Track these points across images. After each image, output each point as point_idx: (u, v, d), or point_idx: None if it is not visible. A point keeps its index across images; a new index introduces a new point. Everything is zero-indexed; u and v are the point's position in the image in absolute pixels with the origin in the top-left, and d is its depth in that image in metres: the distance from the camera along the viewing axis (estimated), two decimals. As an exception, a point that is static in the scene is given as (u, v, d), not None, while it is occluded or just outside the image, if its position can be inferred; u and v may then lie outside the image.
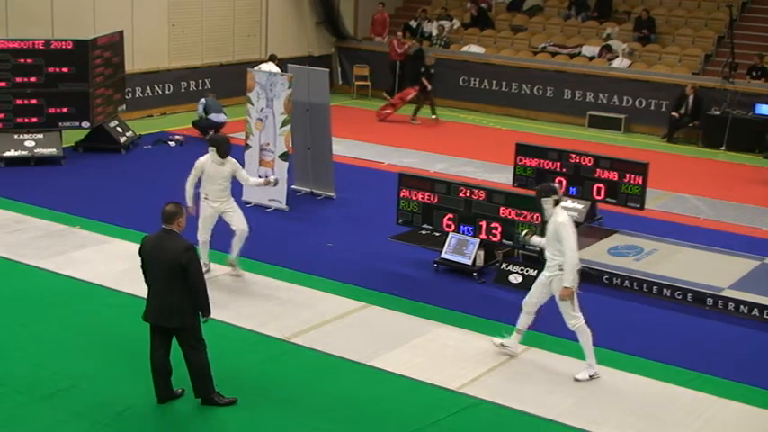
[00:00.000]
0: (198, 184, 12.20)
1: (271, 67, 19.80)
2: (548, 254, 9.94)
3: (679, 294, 12.19)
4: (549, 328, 10.77)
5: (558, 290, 9.80)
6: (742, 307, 11.82)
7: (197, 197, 12.20)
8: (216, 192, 12.08)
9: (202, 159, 12.14)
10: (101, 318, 11.03)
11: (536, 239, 10.72)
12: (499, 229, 12.54)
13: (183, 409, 8.92)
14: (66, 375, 9.47)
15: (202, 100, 20.86)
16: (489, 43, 27.25)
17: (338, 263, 13.12)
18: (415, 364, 10.07)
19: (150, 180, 17.14)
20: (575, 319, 9.81)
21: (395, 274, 12.84)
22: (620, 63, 24.87)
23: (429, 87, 23.72)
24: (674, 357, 10.52)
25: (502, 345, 10.38)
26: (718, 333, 11.36)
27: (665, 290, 12.29)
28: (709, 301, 12.02)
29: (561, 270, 9.70)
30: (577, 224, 14.50)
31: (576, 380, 9.79)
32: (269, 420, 8.82)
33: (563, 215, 9.75)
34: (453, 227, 12.89)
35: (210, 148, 12.06)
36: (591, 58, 25.43)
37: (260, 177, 13.42)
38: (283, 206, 15.40)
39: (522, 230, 11.56)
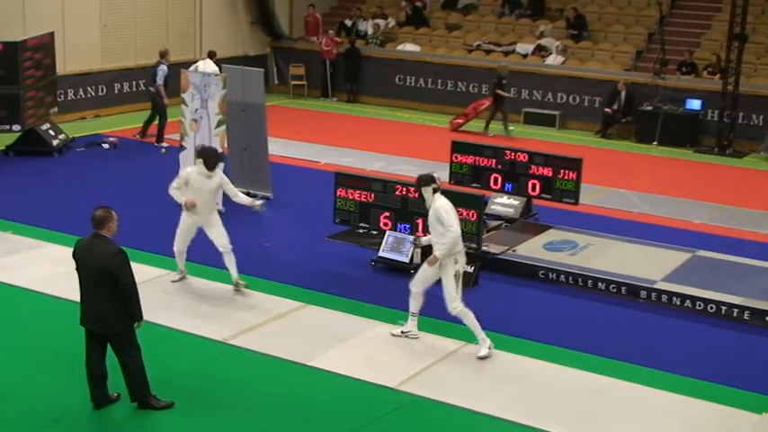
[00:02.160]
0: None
1: (208, 64, 19.75)
2: (432, 239, 10.32)
3: (613, 288, 12.35)
4: (483, 324, 10.86)
5: (442, 271, 10.18)
6: (675, 299, 12.01)
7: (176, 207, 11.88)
8: (199, 203, 11.60)
9: (188, 170, 11.72)
10: (34, 323, 10.87)
11: (424, 239, 11.09)
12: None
13: (119, 414, 8.82)
14: (-1, 383, 9.35)
15: (163, 67, 20.04)
16: (424, 41, 27.36)
17: (276, 263, 13.08)
18: (354, 362, 10.07)
19: (84, 183, 16.94)
20: (455, 302, 10.19)
21: (333, 274, 12.83)
22: (553, 60, 25.12)
23: (503, 98, 23.12)
24: (610, 350, 10.65)
25: (402, 333, 10.67)
26: (653, 325, 11.53)
27: (599, 283, 12.44)
28: (643, 293, 12.19)
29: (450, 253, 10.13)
30: (513, 220, 14.79)
31: (480, 358, 10.14)
32: (207, 423, 8.76)
33: (440, 200, 10.26)
34: (390, 225, 12.92)
35: (198, 160, 11.59)
36: (525, 56, 25.65)
37: (249, 197, 12.28)
38: (219, 207, 15.23)
39: (413, 237, 12.13)
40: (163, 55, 20.19)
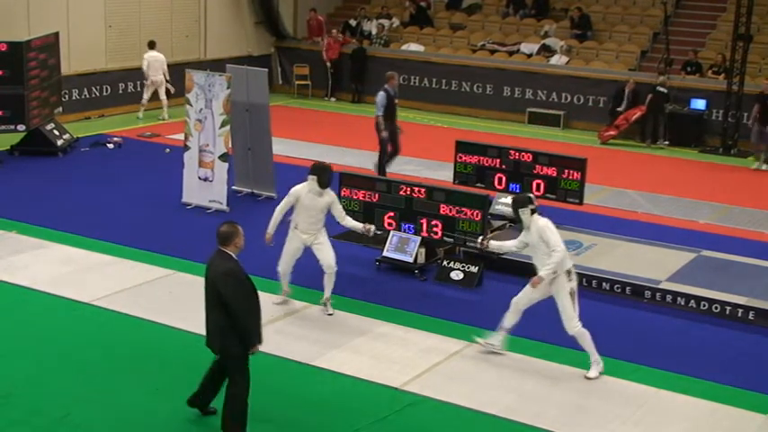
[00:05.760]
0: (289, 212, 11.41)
1: (156, 54, 21.41)
2: (537, 262, 10.04)
3: (618, 288, 12.35)
4: (488, 325, 10.86)
5: (556, 291, 9.91)
6: (679, 299, 12.01)
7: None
8: (308, 223, 11.18)
9: (299, 187, 11.16)
10: (38, 323, 10.87)
11: (494, 244, 10.84)
12: (440, 227, 12.60)
13: (124, 416, 8.82)
14: (2, 382, 9.32)
15: (381, 94, 17.30)
16: (428, 41, 27.35)
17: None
18: (358, 362, 10.07)
19: (88, 183, 16.95)
20: (573, 321, 9.88)
21: (337, 274, 12.77)
22: (558, 60, 25.10)
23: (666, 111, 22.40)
24: (614, 350, 10.62)
25: (486, 343, 10.43)
26: (657, 325, 11.52)
27: (604, 283, 12.43)
28: (648, 293, 12.19)
29: (555, 273, 9.84)
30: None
31: (588, 378, 9.88)
32: (211, 423, 8.76)
33: (542, 220, 10.01)
34: (395, 225, 12.92)
35: (311, 177, 11.07)
36: (529, 56, 25.63)
37: (360, 224, 11.67)
38: (224, 207, 15.32)
39: (480, 237, 11.49)
40: (389, 79, 17.55)
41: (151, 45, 22.17)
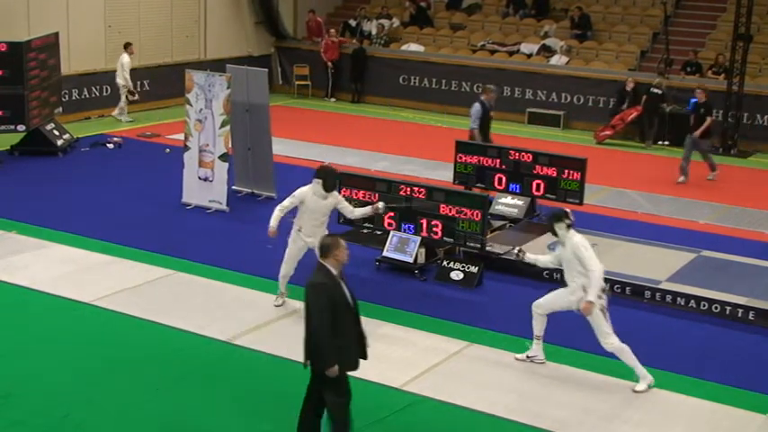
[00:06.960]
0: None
1: (121, 57, 21.45)
2: (568, 277, 9.95)
3: (618, 288, 12.33)
4: (488, 325, 10.86)
5: (581, 305, 9.75)
6: (679, 299, 12.01)
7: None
8: (312, 226, 11.10)
9: (304, 189, 11.08)
10: (38, 323, 10.87)
11: (530, 257, 10.65)
12: (440, 227, 12.60)
13: (124, 416, 8.81)
14: (2, 382, 9.33)
15: (476, 105, 16.85)
16: (428, 41, 27.36)
17: (279, 263, 13.06)
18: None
19: (88, 183, 16.94)
20: (609, 337, 9.75)
21: (337, 274, 12.81)
22: (558, 60, 25.10)
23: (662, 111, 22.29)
24: (614, 350, 10.64)
25: (527, 357, 10.33)
26: (657, 325, 11.52)
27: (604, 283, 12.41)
28: (648, 293, 12.19)
29: (585, 291, 9.70)
30: (517, 220, 14.77)
31: (636, 391, 9.70)
32: (211, 424, 8.76)
33: (577, 236, 9.85)
34: (394, 225, 12.92)
35: (316, 180, 11.00)
36: (529, 56, 25.64)
37: (365, 207, 11.76)
38: (224, 207, 15.32)
39: (516, 249, 11.36)
40: (486, 91, 17.21)
41: (124, 47, 22.10)
